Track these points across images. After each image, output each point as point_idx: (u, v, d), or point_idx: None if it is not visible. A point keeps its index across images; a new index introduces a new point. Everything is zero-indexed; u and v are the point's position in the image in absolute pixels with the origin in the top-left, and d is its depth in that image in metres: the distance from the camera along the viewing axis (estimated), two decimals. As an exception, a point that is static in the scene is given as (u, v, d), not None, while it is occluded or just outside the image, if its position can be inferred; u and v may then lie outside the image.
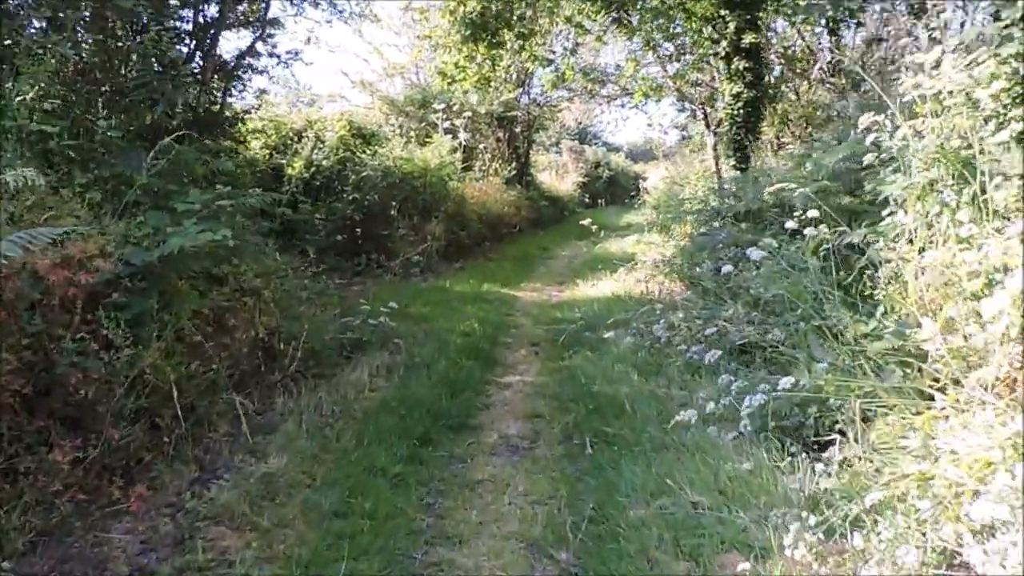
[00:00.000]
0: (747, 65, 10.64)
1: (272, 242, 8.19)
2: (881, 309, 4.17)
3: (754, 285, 5.32)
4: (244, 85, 9.52)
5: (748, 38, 10.39)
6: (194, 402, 4.52)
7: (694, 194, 13.48)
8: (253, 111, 9.83)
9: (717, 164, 12.65)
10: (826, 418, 3.86)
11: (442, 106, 16.63)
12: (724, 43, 10.56)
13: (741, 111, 10.78)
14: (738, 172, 10.99)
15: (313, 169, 11.99)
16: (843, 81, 11.80)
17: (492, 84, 13.81)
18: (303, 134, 12.46)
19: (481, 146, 18.94)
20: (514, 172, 20.06)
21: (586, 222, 13.13)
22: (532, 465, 4.36)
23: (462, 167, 15.70)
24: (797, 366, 4.35)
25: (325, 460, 4.18)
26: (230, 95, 9.35)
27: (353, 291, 10.44)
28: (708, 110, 14.98)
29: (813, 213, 4.75)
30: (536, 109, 23.55)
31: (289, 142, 12.40)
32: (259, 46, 9.06)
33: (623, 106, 30.13)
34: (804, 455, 3.73)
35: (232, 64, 8.73)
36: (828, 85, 12.67)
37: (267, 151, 11.71)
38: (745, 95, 10.72)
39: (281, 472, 3.99)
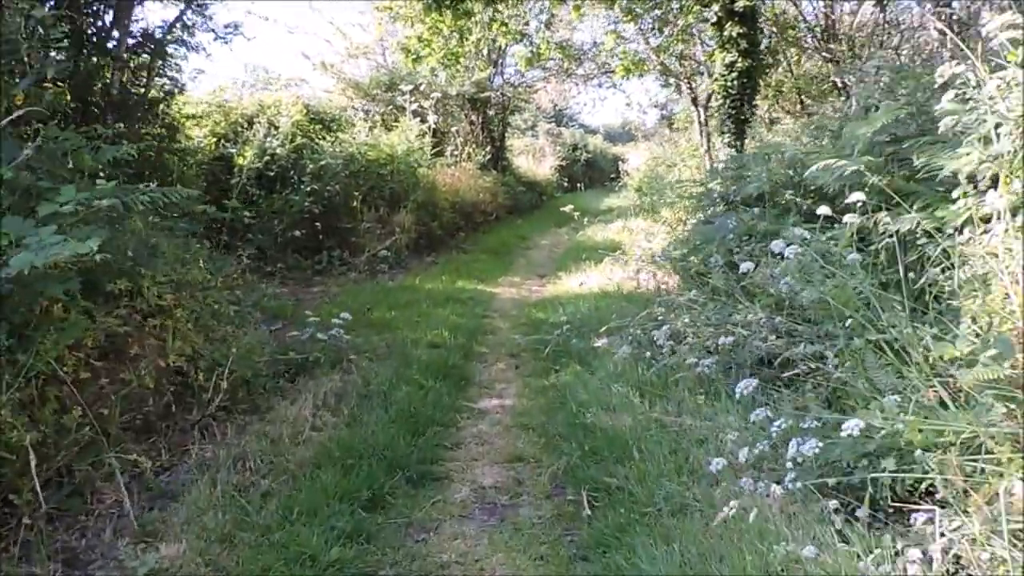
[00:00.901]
0: (741, 31, 9.64)
1: (206, 244, 7.14)
2: (965, 323, 3.19)
3: (781, 285, 4.32)
4: (176, 64, 8.40)
5: (742, 0, 9.38)
6: (72, 464, 3.47)
7: (684, 176, 12.50)
8: (180, 92, 8.64)
9: (708, 142, 11.67)
10: (906, 472, 2.88)
11: (409, 88, 15.52)
12: (716, 7, 9.55)
13: (735, 82, 9.79)
14: (732, 150, 10.02)
15: (267, 158, 10.84)
16: (842, 47, 10.81)
17: (461, 61, 12.72)
18: (255, 120, 11.30)
19: (453, 129, 17.85)
20: (489, 157, 18.99)
21: (567, 208, 12.14)
22: (514, 535, 3.35)
23: (432, 152, 14.63)
24: (851, 395, 3.38)
25: (239, 543, 3.13)
26: (160, 75, 8.23)
27: (312, 294, 9.39)
28: (694, 85, 13.96)
29: (857, 196, 3.75)
30: (510, 90, 22.45)
31: (240, 129, 11.23)
32: (191, 17, 7.94)
33: (600, 86, 29.07)
34: (882, 527, 2.75)
35: (160, 38, 7.59)
36: (824, 54, 11.68)
37: (214, 139, 10.53)
38: (739, 64, 9.72)
39: (175, 567, 2.94)
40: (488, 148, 19.10)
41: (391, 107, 16.94)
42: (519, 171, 23.13)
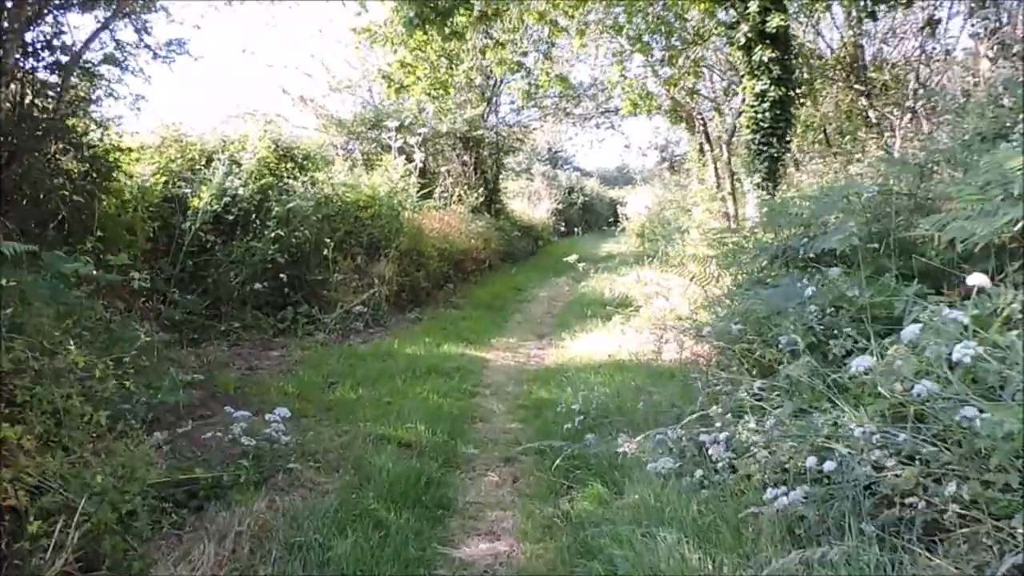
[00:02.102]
0: (773, 55, 8.33)
1: (116, 309, 5.66)
2: None
3: (917, 390, 2.85)
4: (108, 86, 7.01)
5: (774, 20, 8.07)
6: None
7: (699, 220, 11.11)
8: (111, 122, 7.22)
9: (732, 183, 10.31)
10: None
11: (395, 124, 14.19)
12: (744, 27, 8.23)
13: (767, 114, 8.45)
14: (763, 191, 8.63)
15: (226, 200, 9.41)
16: (882, 77, 9.51)
17: (451, 91, 11.39)
18: (215, 156, 9.89)
19: (443, 170, 16.50)
20: (482, 199, 17.64)
21: (571, 259, 10.73)
22: None
23: (420, 194, 13.25)
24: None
25: None
26: (86, 99, 6.84)
27: (270, 359, 7.89)
28: (708, 120, 12.65)
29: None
30: (505, 129, 21.23)
31: (197, 167, 9.81)
32: (124, 33, 6.57)
33: (598, 126, 28.21)
34: None
35: (78, 51, 6.19)
36: (857, 86, 10.38)
37: (162, 178, 9.08)
38: (772, 93, 8.40)
39: None
40: (481, 190, 17.75)
41: (376, 145, 15.64)
42: (514, 215, 21.80)
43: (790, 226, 5.24)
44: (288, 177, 10.62)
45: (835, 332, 3.74)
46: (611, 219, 34.18)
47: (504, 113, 21.61)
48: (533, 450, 4.80)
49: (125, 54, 6.59)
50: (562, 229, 28.28)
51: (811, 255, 4.32)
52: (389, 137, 14.05)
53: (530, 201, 26.56)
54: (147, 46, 6.78)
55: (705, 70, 12.74)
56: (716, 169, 12.27)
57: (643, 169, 32.72)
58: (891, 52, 10.69)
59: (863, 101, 10.65)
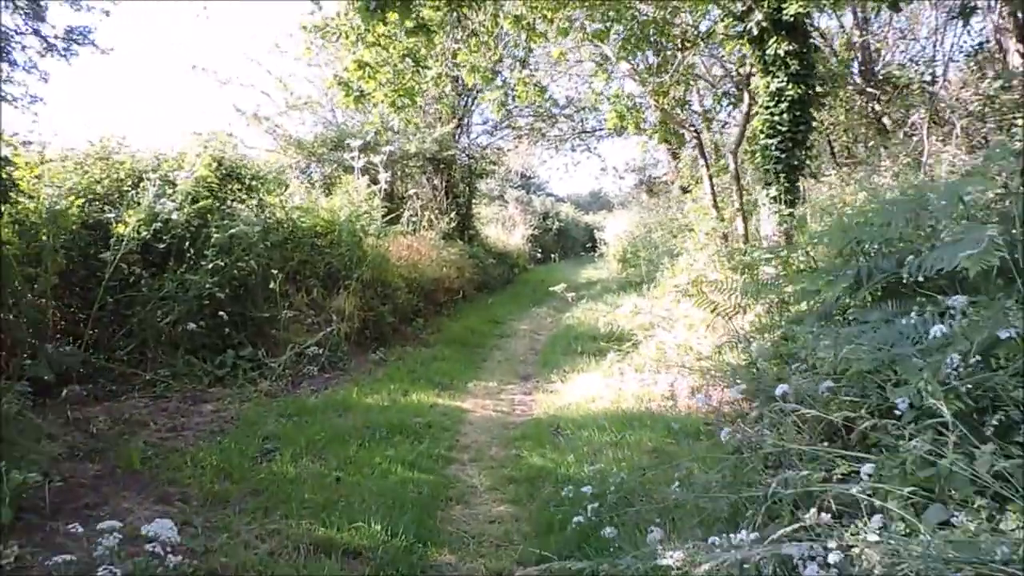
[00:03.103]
0: (790, 48, 7.19)
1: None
2: None
3: None
4: (-9, 86, 5.66)
5: (792, 7, 6.94)
6: None
7: (692, 243, 9.91)
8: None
9: (741, 199, 9.10)
10: None
11: (358, 143, 12.90)
12: (757, 15, 7.08)
13: (784, 116, 7.29)
14: (782, 206, 7.45)
15: (157, 226, 8.05)
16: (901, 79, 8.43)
17: (418, 100, 10.13)
18: (145, 176, 8.53)
19: (412, 192, 15.22)
20: (454, 224, 16.37)
21: (559, 288, 9.51)
22: None
23: (385, 219, 11.95)
24: None
25: None
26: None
27: (200, 416, 6.51)
28: (701, 133, 11.51)
29: None
30: (477, 150, 20.04)
31: (125, 189, 8.46)
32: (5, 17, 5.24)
33: (573, 149, 27.15)
34: None
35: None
36: (871, 89, 9.30)
37: (80, 201, 7.70)
38: (790, 92, 7.25)
39: None
40: (453, 215, 16.49)
41: (339, 168, 14.35)
42: (488, 241, 20.55)
43: (868, 240, 4.00)
44: (233, 200, 9.29)
45: (992, 394, 2.50)
46: (588, 244, 33.11)
47: (476, 134, 20.45)
48: (533, 552, 3.46)
49: (4, 43, 5.25)
50: (538, 255, 27.08)
51: (919, 278, 3.08)
52: (352, 157, 12.74)
53: (504, 227, 25.34)
54: (37, 33, 5.43)
55: (693, 81, 11.65)
56: (712, 185, 11.11)
57: (620, 193, 31.77)
58: (904, 53, 9.68)
59: (875, 106, 9.59)
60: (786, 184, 7.34)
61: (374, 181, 12.27)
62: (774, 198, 7.42)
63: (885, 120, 9.57)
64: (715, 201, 11.22)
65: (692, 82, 11.11)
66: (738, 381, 4.24)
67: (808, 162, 7.64)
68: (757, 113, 7.68)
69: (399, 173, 15.85)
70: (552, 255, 28.74)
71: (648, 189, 29.19)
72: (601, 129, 26.02)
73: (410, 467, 4.79)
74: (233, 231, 8.40)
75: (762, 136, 7.47)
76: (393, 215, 13.02)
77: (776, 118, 7.30)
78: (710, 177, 11.21)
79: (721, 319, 7.39)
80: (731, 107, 11.56)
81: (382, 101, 9.08)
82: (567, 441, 5.30)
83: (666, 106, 11.39)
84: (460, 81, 16.44)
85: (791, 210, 7.36)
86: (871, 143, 9.67)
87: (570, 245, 34.62)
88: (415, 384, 7.68)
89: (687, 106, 11.63)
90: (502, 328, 11.75)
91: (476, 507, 4.33)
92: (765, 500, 3.11)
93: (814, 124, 7.70)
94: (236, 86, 15.93)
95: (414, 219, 13.88)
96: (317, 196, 11.13)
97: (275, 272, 8.44)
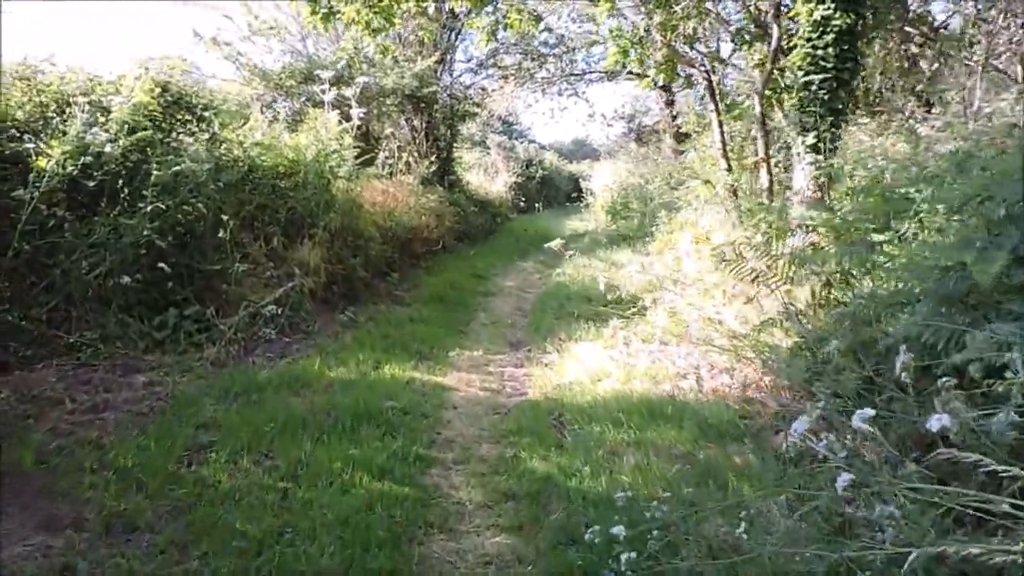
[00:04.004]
0: (840, -34, 6.04)
1: None
2: None
3: None
4: None
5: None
6: None
7: (720, 195, 8.84)
8: None
9: (766, 146, 7.97)
10: None
11: (329, 75, 11.58)
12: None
13: (830, 51, 6.17)
14: (820, 157, 6.38)
15: (87, 159, 6.84)
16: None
17: (397, 23, 8.86)
18: (73, 102, 7.28)
19: (389, 131, 13.95)
20: (434, 169, 15.14)
21: (554, 244, 8.44)
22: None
23: (359, 160, 10.73)
24: None
25: None
26: None
27: (131, 389, 5.43)
28: (712, 73, 10.35)
29: None
30: (461, 90, 18.69)
31: (50, 115, 7.21)
32: None
33: (560, 93, 25.79)
34: None
35: None
36: (909, 28, 8.18)
37: (-8, 127, 6.47)
38: (837, 21, 6.11)
39: None
40: (433, 159, 15.26)
41: (307, 102, 13.01)
42: (470, 188, 19.32)
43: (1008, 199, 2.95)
44: (180, 133, 8.06)
45: None
46: (572, 194, 31.94)
47: (459, 72, 19.07)
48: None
49: None
50: (521, 204, 25.88)
51: None
52: (322, 91, 11.43)
53: (487, 174, 24.09)
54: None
55: (705, 14, 10.44)
56: (722, 133, 10.00)
57: (608, 141, 30.52)
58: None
59: (913, 48, 8.52)
60: (830, 129, 6.26)
61: (346, 118, 11.00)
62: (812, 146, 6.34)
63: (923, 64, 8.49)
64: (724, 151, 10.13)
65: (704, 15, 9.90)
66: (818, 390, 3.20)
67: (855, 104, 6.56)
68: (795, 46, 6.54)
69: (375, 111, 14.52)
70: (536, 204, 27.59)
71: (637, 137, 28.01)
72: (591, 72, 24.70)
73: (379, 475, 3.75)
74: (178, 168, 7.20)
75: (801, 74, 6.36)
76: (367, 157, 11.79)
77: (820, 52, 6.18)
78: (720, 123, 10.08)
79: (749, 286, 6.37)
80: (747, 46, 10.37)
81: (355, 22, 7.82)
82: (574, 438, 4.27)
83: (674, 42, 10.20)
84: (444, 8, 15.05)
85: (832, 161, 6.30)
86: (907, 87, 8.58)
87: (554, 194, 33.41)
88: (389, 352, 6.61)
89: (697, 43, 10.42)
90: (486, 284, 10.67)
91: (464, 537, 3.29)
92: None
93: (862, 62, 6.59)
94: (197, 8, 14.43)
95: (390, 162, 12.63)
96: (281, 132, 9.87)
97: (226, 218, 7.26)
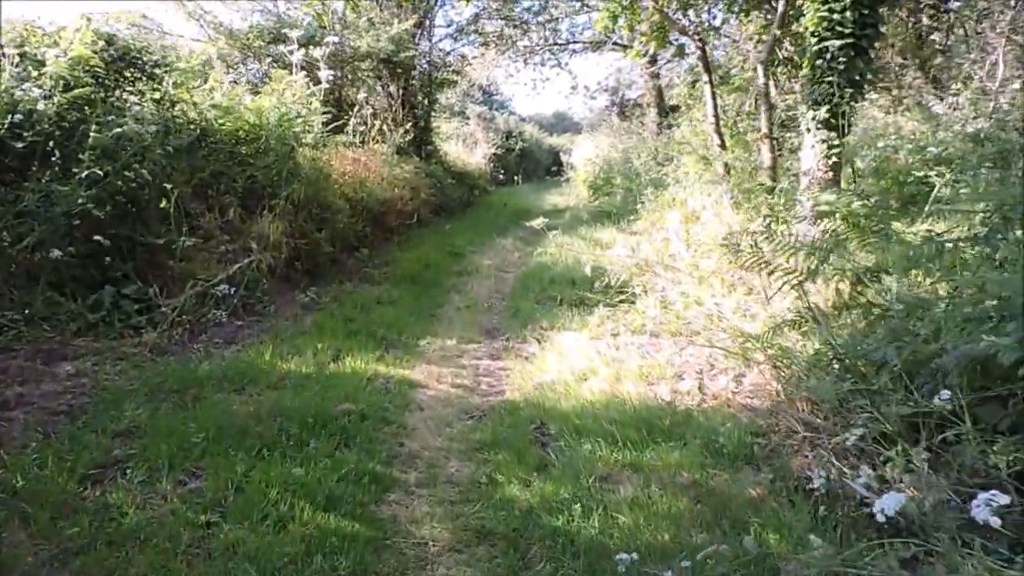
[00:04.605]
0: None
1: None
2: None
3: None
4: None
5: None
6: None
7: (719, 173, 8.21)
8: None
9: (769, 121, 7.31)
10: None
11: (298, 33, 10.78)
12: None
13: (848, 14, 5.52)
14: (833, 133, 5.76)
15: (17, 117, 6.11)
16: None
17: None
18: (2, 54, 6.53)
19: (362, 96, 13.15)
20: (410, 138, 14.38)
21: (537, 223, 7.80)
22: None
23: (329, 127, 9.99)
24: None
25: None
26: None
27: (54, 381, 4.76)
28: (707, 42, 9.68)
29: None
30: (440, 57, 17.87)
31: (-24, 68, 6.45)
32: None
33: (543, 64, 24.97)
34: None
35: None
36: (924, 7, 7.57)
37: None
38: (858, -19, 5.45)
39: None
40: (409, 127, 14.49)
41: (276, 63, 12.17)
42: (447, 159, 18.55)
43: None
44: (127, 91, 7.31)
45: None
46: (553, 168, 31.23)
47: (439, 38, 18.22)
48: None
49: None
50: (500, 177, 25.12)
51: None
52: (289, 51, 10.62)
53: (465, 144, 23.28)
54: None
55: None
56: (716, 107, 9.36)
57: (591, 114, 29.76)
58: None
59: (924, 20, 7.91)
60: (845, 104, 5.63)
61: (316, 82, 10.21)
62: (825, 122, 5.71)
63: (936, 36, 7.89)
64: (718, 125, 9.49)
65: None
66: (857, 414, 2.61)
67: (872, 74, 5.92)
68: (805, 9, 5.88)
69: (348, 76, 13.71)
70: (515, 177, 26.82)
71: (621, 111, 27.29)
72: (575, 42, 23.94)
73: (325, 505, 3.10)
74: (120, 130, 6.45)
75: (815, 40, 5.70)
76: (338, 123, 11.03)
77: (837, 15, 5.53)
78: (714, 96, 9.43)
79: (745, 274, 5.77)
80: (744, 15, 9.71)
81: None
82: (560, 458, 3.64)
83: (666, 7, 9.51)
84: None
85: (845, 138, 5.69)
86: (916, 61, 7.97)
87: (533, 168, 32.66)
88: (351, 339, 5.95)
89: (690, 10, 9.73)
90: (462, 263, 10.00)
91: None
92: None
93: (884, 27, 5.93)
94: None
95: (362, 129, 11.86)
96: (243, 94, 9.08)
97: (169, 187, 6.52)
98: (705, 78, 9.50)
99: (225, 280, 6.64)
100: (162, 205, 6.42)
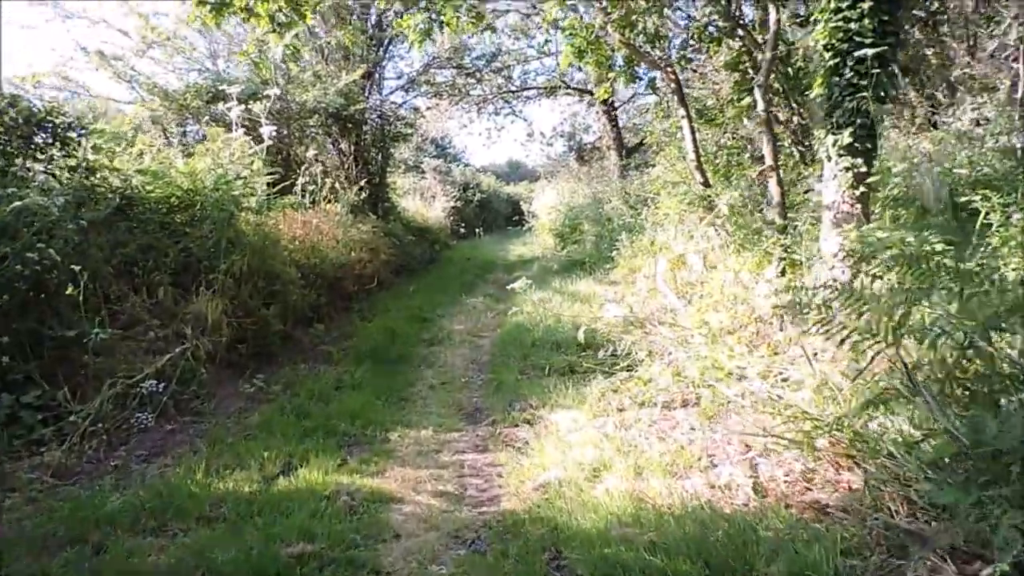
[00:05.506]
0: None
1: None
2: None
3: None
4: None
5: None
6: None
7: (723, 213, 7.39)
8: None
9: (774, 152, 6.50)
10: None
11: (237, 89, 9.89)
12: None
13: (867, 23, 4.77)
14: (857, 159, 4.97)
15: None
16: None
17: (309, 19, 7.20)
18: None
19: (310, 154, 12.24)
20: (366, 196, 13.47)
21: (517, 285, 6.91)
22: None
23: (273, 188, 9.04)
24: None
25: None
26: None
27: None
28: (681, 72, 8.99)
29: None
30: (392, 109, 17.05)
31: None
32: None
33: (497, 112, 24.41)
34: None
35: None
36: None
37: None
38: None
39: None
40: (364, 183, 13.60)
41: (216, 123, 11.24)
42: (406, 215, 17.66)
43: None
44: (38, 159, 6.32)
45: None
46: (513, 217, 30.48)
47: (390, 90, 17.46)
48: None
49: None
50: (461, 230, 24.27)
51: None
52: (228, 108, 9.71)
53: (423, 199, 22.42)
54: None
55: (669, 6, 9.17)
56: (695, 141, 8.62)
57: (548, 161, 29.16)
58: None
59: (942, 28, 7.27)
60: (862, 129, 4.85)
61: (259, 140, 9.30)
62: (848, 147, 4.92)
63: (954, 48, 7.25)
64: (699, 162, 8.75)
65: (666, 6, 8.57)
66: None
67: (898, 92, 5.18)
68: (815, 22, 5.14)
69: (296, 134, 12.82)
70: (476, 229, 26.02)
71: (579, 156, 26.75)
72: (529, 88, 23.40)
73: None
74: (19, 204, 5.45)
75: (830, 55, 4.95)
76: (286, 184, 10.09)
77: (854, 24, 4.78)
78: (692, 131, 8.70)
79: (766, 330, 4.91)
80: (715, 44, 9.06)
81: (253, 15, 6.19)
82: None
83: (633, 41, 8.81)
84: (370, 16, 13.53)
85: (881, 164, 4.91)
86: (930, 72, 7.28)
87: (493, 218, 31.89)
88: (307, 440, 4.93)
89: (660, 42, 9.04)
90: (431, 329, 9.01)
91: None
92: None
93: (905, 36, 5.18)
94: (84, 22, 12.45)
95: (312, 188, 10.93)
96: (175, 156, 8.12)
97: (78, 268, 5.47)
98: (682, 112, 8.77)
99: (153, 375, 5.58)
100: (69, 291, 5.34)
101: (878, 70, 4.73)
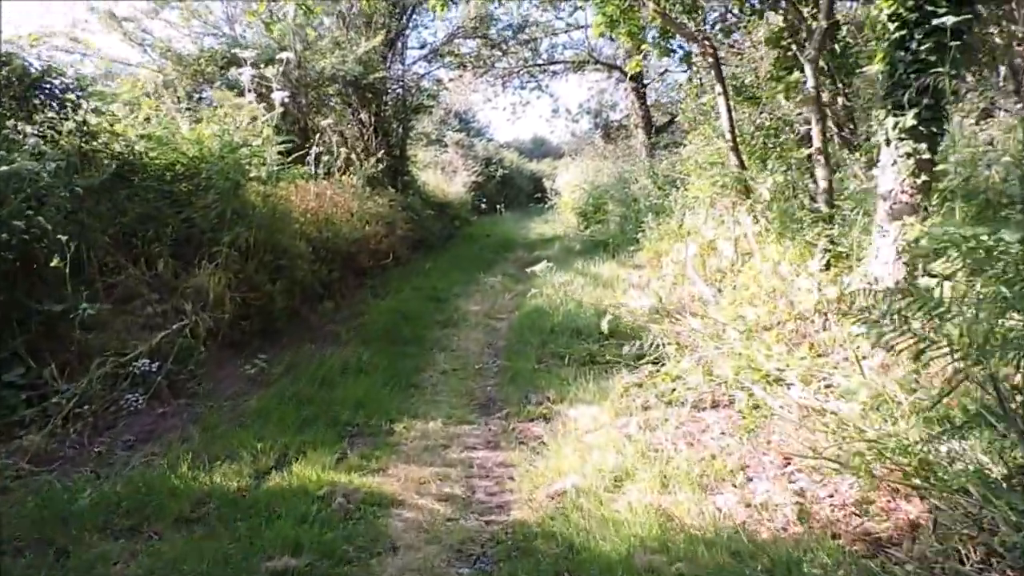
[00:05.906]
0: None
1: None
2: None
3: None
4: None
5: None
6: None
7: (765, 196, 6.92)
8: None
9: (823, 135, 5.96)
10: None
11: (252, 54, 9.48)
12: None
13: (939, -7, 4.26)
14: (917, 144, 4.49)
15: None
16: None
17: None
18: None
19: (326, 123, 11.82)
20: (383, 167, 13.06)
21: (538, 269, 6.51)
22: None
23: (286, 157, 8.65)
24: None
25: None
26: None
27: None
28: (719, 49, 8.47)
29: None
30: (414, 80, 16.58)
31: None
32: None
33: (523, 87, 23.86)
34: None
35: None
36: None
37: None
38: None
39: None
40: (382, 155, 13.18)
41: (230, 90, 10.85)
42: (426, 189, 17.23)
43: None
44: (23, 120, 5.98)
45: None
46: (535, 195, 29.97)
47: (412, 60, 16.95)
48: None
49: None
50: (481, 206, 23.82)
51: None
52: (239, 72, 9.33)
53: (444, 173, 21.97)
54: None
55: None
56: (731, 121, 8.12)
57: (573, 138, 28.59)
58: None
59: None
60: (928, 111, 4.36)
61: (269, 106, 8.90)
62: (911, 130, 4.44)
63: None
64: (735, 143, 8.26)
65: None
66: None
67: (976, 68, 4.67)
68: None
69: (313, 103, 12.40)
70: (497, 206, 25.57)
71: (605, 134, 26.15)
72: (556, 62, 22.78)
73: None
74: (7, 168, 5.09)
75: (894, 26, 4.45)
76: (298, 153, 9.69)
77: (921, -3, 4.27)
78: (729, 109, 8.20)
79: (804, 326, 4.48)
80: (758, 16, 8.53)
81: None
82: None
83: (669, 11, 8.29)
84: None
85: (935, 153, 4.43)
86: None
87: (515, 195, 31.36)
88: (306, 430, 4.58)
89: (698, 13, 8.52)
90: (445, 309, 8.62)
91: None
92: None
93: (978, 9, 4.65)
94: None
95: (327, 158, 10.54)
96: (176, 119, 7.75)
97: (65, 239, 5.13)
98: (719, 89, 8.26)
99: (147, 353, 5.24)
100: (54, 263, 5.01)
101: (955, 43, 4.22)
